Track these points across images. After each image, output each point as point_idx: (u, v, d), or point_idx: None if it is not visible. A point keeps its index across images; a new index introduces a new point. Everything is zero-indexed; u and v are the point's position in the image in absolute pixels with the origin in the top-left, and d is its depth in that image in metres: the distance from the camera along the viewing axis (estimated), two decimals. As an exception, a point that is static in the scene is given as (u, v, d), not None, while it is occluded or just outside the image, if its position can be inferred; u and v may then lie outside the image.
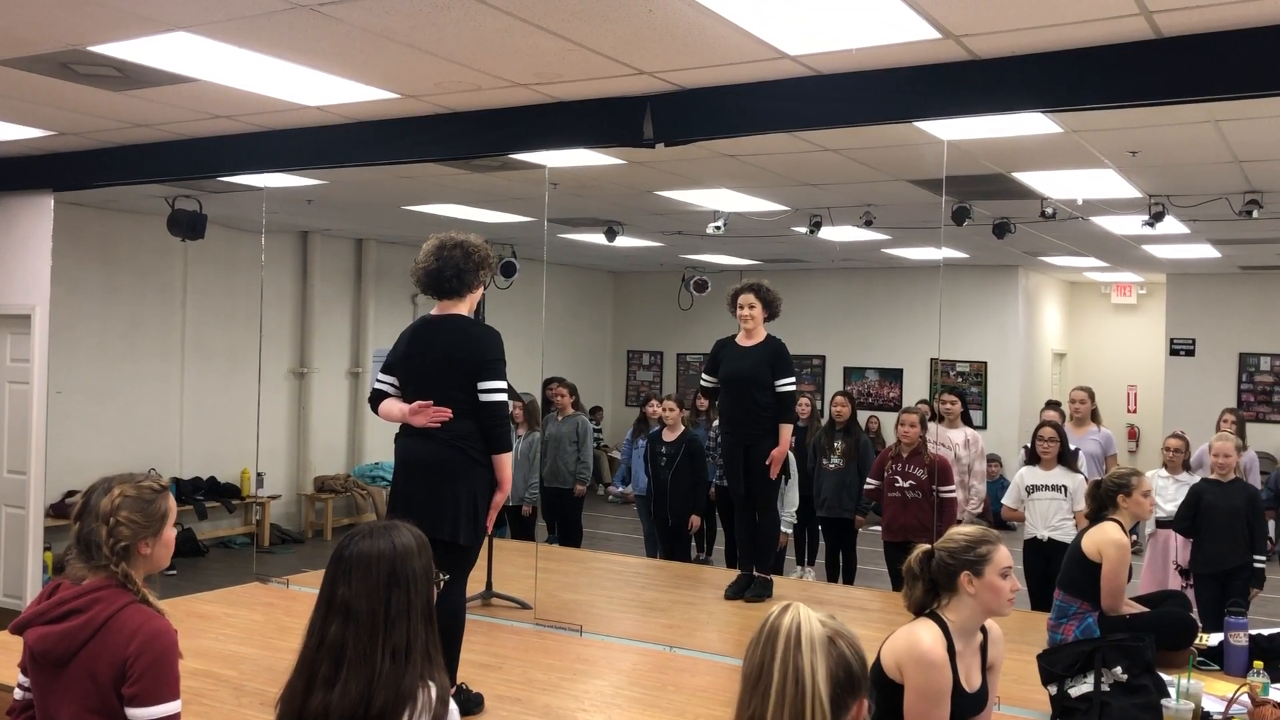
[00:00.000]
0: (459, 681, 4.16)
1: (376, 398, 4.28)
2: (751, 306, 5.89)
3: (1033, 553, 6.10)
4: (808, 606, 1.87)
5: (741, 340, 5.97)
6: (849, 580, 7.79)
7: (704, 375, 6.21)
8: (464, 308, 4.22)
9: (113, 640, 2.45)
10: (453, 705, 2.10)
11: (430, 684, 2.05)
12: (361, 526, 2.16)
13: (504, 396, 4.10)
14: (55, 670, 2.49)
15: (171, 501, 2.65)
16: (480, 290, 4.28)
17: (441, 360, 4.11)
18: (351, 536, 2.13)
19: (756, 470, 5.91)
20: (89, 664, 2.45)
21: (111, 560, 2.50)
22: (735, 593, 6.04)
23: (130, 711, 2.43)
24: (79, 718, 2.47)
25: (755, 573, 6.07)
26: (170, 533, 2.62)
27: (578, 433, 8.49)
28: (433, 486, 4.06)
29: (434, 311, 4.27)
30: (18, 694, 2.66)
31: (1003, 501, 6.51)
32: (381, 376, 4.31)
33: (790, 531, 7.40)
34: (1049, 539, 6.00)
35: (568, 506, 8.51)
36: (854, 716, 1.83)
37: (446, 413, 4.02)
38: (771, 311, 5.98)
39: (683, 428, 7.81)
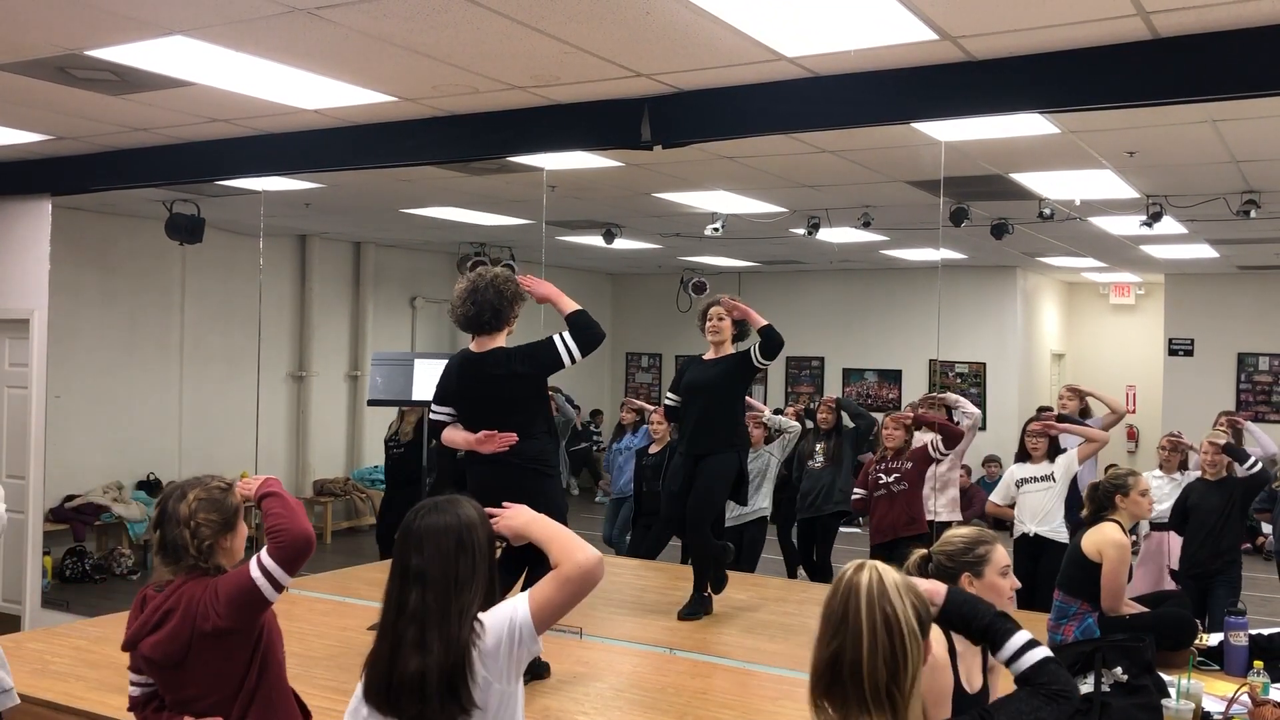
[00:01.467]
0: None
1: (437, 428, 4.49)
2: (721, 319, 5.63)
3: (1021, 550, 6.07)
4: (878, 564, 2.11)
5: (708, 356, 5.74)
6: (824, 579, 7.70)
7: (668, 394, 5.96)
8: (500, 339, 4.42)
9: (202, 608, 2.63)
10: (504, 610, 2.25)
11: (478, 620, 2.20)
12: (425, 502, 2.30)
13: (568, 341, 4.32)
14: (173, 668, 2.67)
15: (238, 496, 2.84)
16: (515, 321, 4.46)
17: (493, 389, 4.32)
18: (417, 511, 2.26)
19: (701, 481, 5.54)
20: (203, 642, 2.63)
21: (198, 559, 2.69)
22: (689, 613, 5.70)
23: (252, 570, 2.63)
24: (214, 691, 2.66)
25: (696, 591, 5.68)
26: (243, 524, 2.84)
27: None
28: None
29: (473, 346, 4.44)
30: (135, 691, 2.83)
31: (990, 498, 6.50)
32: (436, 408, 4.51)
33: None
34: (1035, 534, 5.99)
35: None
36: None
37: (512, 438, 4.22)
38: (740, 329, 5.70)
39: (668, 439, 7.79)
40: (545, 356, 4.36)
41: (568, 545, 2.32)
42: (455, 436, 4.38)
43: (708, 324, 5.71)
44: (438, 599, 2.16)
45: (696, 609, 5.63)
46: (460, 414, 4.43)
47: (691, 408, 5.73)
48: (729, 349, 5.68)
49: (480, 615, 2.22)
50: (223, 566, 2.72)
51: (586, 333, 4.37)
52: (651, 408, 8.68)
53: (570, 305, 4.44)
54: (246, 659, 2.69)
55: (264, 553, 2.66)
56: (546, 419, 4.53)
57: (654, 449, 7.82)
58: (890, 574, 2.09)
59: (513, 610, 2.24)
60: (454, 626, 2.15)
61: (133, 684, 2.83)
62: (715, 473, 5.51)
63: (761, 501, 7.38)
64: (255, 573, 2.63)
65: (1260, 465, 5.93)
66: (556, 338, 4.36)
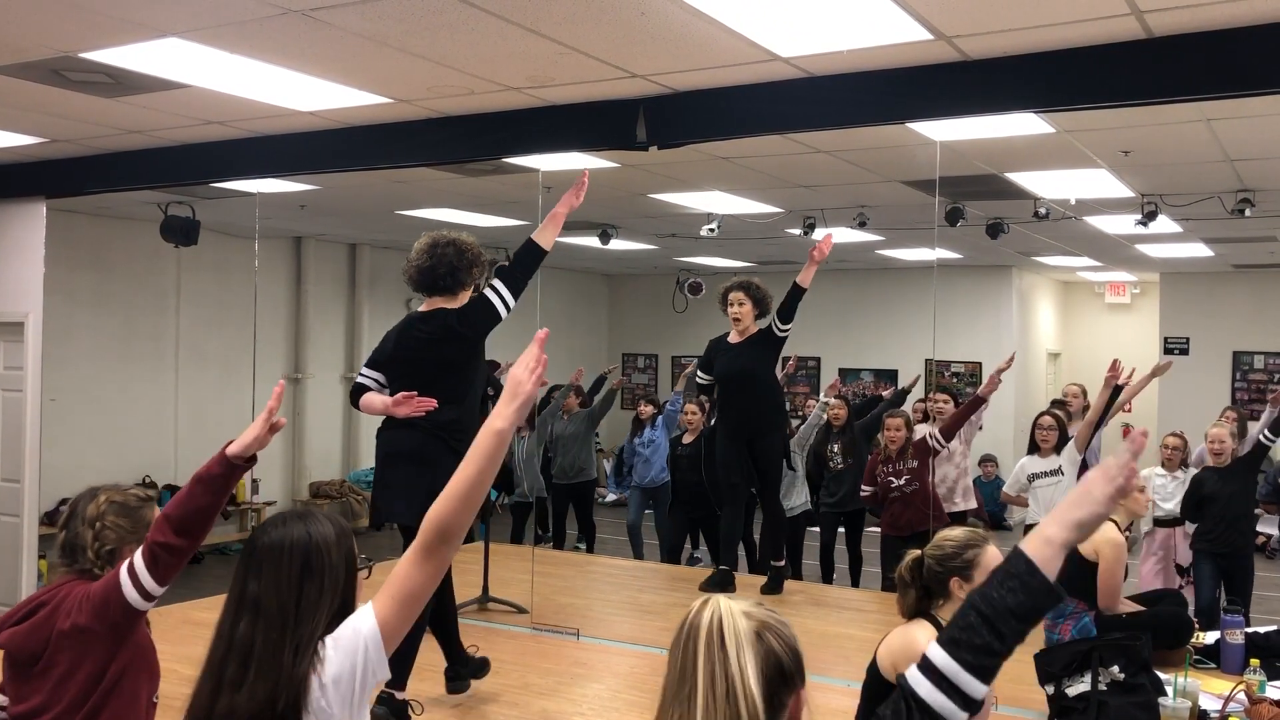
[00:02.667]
0: (469, 646, 4.30)
1: (358, 391, 4.32)
2: (741, 304, 5.90)
3: None
4: (729, 599, 1.75)
5: (733, 338, 5.98)
6: (855, 576, 7.78)
7: (699, 374, 6.24)
8: (453, 305, 4.25)
9: (73, 605, 2.44)
10: (348, 626, 1.92)
11: (321, 643, 1.90)
12: (276, 515, 2.01)
13: (499, 289, 4.23)
14: (29, 669, 2.47)
15: (157, 511, 2.62)
16: (471, 289, 4.31)
17: (427, 350, 4.17)
18: (264, 526, 1.98)
19: (762, 462, 5.92)
20: (63, 640, 2.43)
21: (95, 564, 2.51)
22: (710, 586, 5.96)
23: (122, 572, 2.40)
24: (53, 705, 2.44)
25: (771, 563, 6.16)
26: None
27: (589, 420, 8.91)
28: (411, 475, 4.10)
29: (421, 308, 4.32)
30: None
31: (1004, 489, 6.56)
32: (365, 371, 4.36)
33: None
34: None
35: (581, 501, 8.81)
36: (792, 711, 1.70)
37: (431, 403, 4.04)
38: (761, 309, 5.98)
39: (701, 428, 7.94)
40: (480, 311, 4.22)
41: (481, 482, 1.90)
42: (374, 401, 4.21)
43: (729, 308, 5.90)
44: (268, 633, 1.86)
45: (778, 583, 6.11)
46: (389, 379, 4.27)
47: (733, 395, 6.01)
48: (752, 329, 5.88)
49: (326, 637, 1.91)
50: None
51: (523, 266, 4.31)
52: (669, 400, 8.85)
53: (549, 238, 4.43)
54: (96, 672, 2.43)
55: (137, 554, 2.41)
56: (472, 395, 4.33)
57: (688, 439, 8.00)
58: (734, 615, 1.68)
59: (357, 625, 1.90)
60: (285, 662, 1.85)
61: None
62: (771, 454, 6.00)
63: (796, 499, 7.48)
64: (123, 571, 2.39)
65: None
66: (488, 289, 4.22)
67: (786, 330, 5.83)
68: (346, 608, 1.95)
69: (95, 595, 2.42)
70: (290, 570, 1.90)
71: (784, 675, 1.67)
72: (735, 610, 1.70)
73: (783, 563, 6.20)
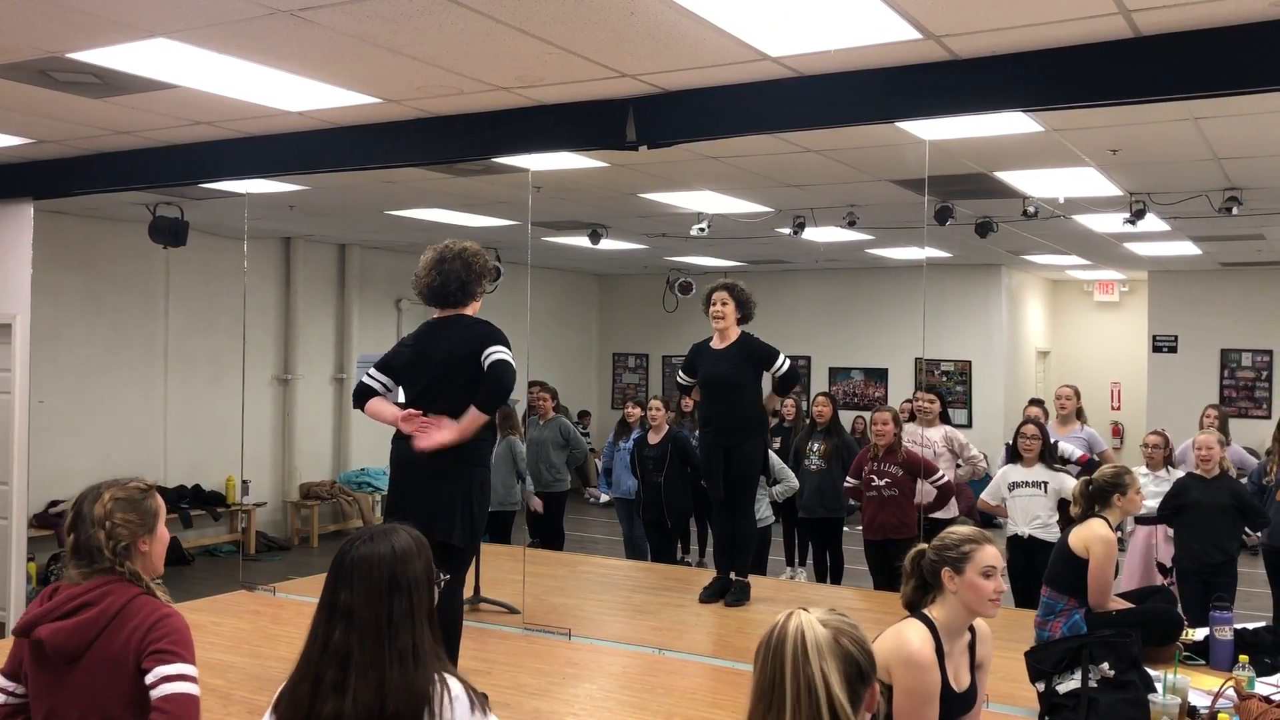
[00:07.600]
0: None
1: (364, 393, 4.28)
2: (724, 304, 5.82)
3: (1014, 550, 6.12)
4: (807, 610, 1.94)
5: (715, 343, 5.92)
6: (836, 580, 7.80)
7: (681, 374, 6.21)
8: (467, 312, 4.29)
9: (128, 626, 2.48)
10: (470, 698, 2.08)
11: (449, 679, 2.08)
12: (361, 531, 2.19)
13: (507, 356, 4.09)
14: (66, 666, 2.50)
15: (160, 499, 2.70)
16: (482, 297, 4.33)
17: (445, 360, 4.16)
18: (351, 541, 2.16)
19: (736, 473, 5.84)
20: (105, 653, 2.48)
21: (115, 561, 2.54)
22: (710, 595, 5.96)
23: (152, 671, 2.43)
24: (92, 712, 2.48)
25: (733, 576, 5.97)
26: (164, 529, 2.68)
27: (561, 434, 8.54)
28: (426, 487, 4.12)
29: (437, 315, 4.33)
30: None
31: (981, 496, 6.52)
32: (373, 373, 4.31)
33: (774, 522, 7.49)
34: (1030, 536, 6.02)
35: (550, 509, 8.54)
36: (868, 704, 1.92)
37: (429, 427, 4.06)
38: (744, 313, 5.90)
39: (668, 428, 7.82)
40: (493, 367, 4.09)
41: None
42: (382, 410, 4.20)
43: (711, 309, 5.86)
44: (364, 640, 2.04)
45: (743, 594, 5.90)
46: (405, 385, 4.24)
47: (713, 402, 5.95)
48: (734, 334, 5.87)
49: (454, 682, 2.08)
50: (139, 573, 2.56)
51: (493, 387, 4.13)
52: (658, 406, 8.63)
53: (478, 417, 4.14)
54: (133, 687, 2.48)
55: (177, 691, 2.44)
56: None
57: (654, 439, 7.81)
58: (814, 628, 1.89)
59: None
60: (389, 672, 2.02)
61: (0, 690, 2.63)
62: (749, 462, 5.89)
63: (762, 512, 7.39)
64: (156, 685, 2.43)
65: None
66: (510, 361, 4.13)
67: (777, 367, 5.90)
68: (433, 614, 2.14)
69: (128, 656, 2.47)
70: (379, 583, 2.08)
71: (860, 674, 1.91)
72: (814, 622, 1.91)
73: (746, 579, 6.00)
